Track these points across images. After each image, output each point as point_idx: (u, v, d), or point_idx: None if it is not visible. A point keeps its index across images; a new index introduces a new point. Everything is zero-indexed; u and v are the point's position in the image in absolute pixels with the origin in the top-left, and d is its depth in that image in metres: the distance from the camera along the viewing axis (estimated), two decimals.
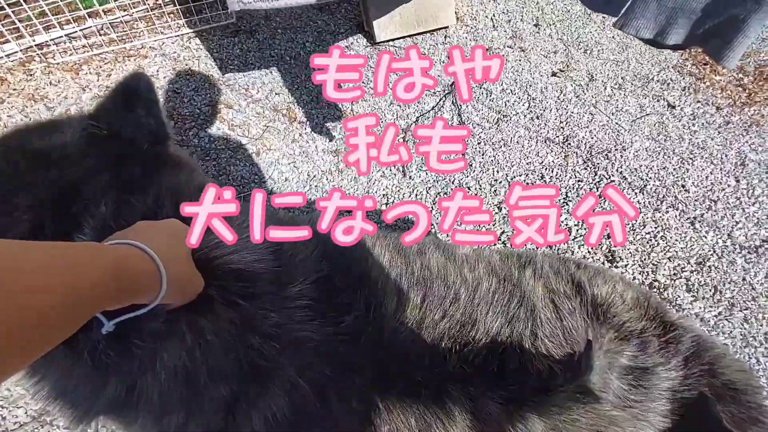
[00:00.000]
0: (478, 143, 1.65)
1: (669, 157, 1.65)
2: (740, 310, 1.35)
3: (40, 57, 1.71)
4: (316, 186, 1.52)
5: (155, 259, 0.44)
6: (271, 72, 1.77)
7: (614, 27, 0.63)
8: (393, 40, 1.88)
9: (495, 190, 1.55)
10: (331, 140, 1.62)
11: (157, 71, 1.73)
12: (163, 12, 1.83)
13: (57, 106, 1.61)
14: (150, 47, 1.79)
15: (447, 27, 1.94)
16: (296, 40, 1.88)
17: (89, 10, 1.73)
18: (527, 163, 1.62)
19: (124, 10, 1.82)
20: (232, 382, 0.52)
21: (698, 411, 0.57)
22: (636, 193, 1.56)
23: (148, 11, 1.81)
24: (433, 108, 1.73)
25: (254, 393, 0.53)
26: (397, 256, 0.69)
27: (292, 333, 0.55)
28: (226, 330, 0.53)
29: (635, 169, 1.62)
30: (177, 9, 1.83)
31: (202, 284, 0.52)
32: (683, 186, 1.58)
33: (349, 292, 0.61)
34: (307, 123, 1.65)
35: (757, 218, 1.52)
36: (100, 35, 1.77)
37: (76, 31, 1.75)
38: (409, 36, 1.90)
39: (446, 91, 1.78)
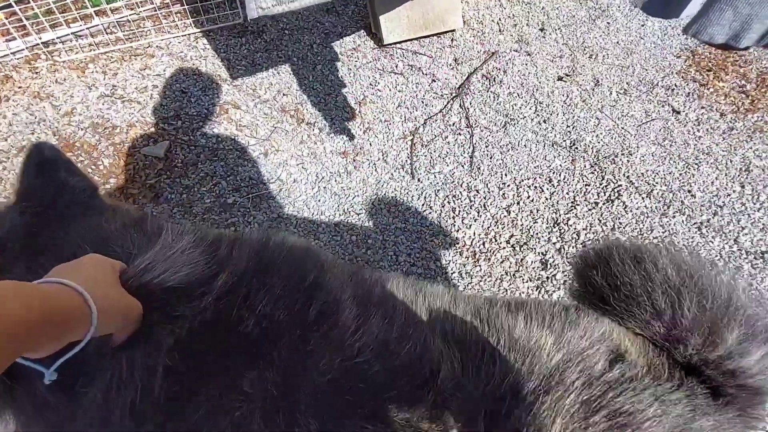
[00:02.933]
0: (486, 146, 1.66)
1: (675, 162, 1.66)
2: None
3: (46, 55, 1.69)
4: (324, 188, 1.51)
5: (79, 290, 0.43)
6: (278, 73, 1.77)
7: (686, 33, 0.64)
8: (400, 42, 1.88)
9: (503, 194, 1.55)
10: (339, 142, 1.62)
11: (164, 70, 1.72)
12: (171, 11, 1.82)
13: (63, 104, 1.60)
14: (157, 46, 1.78)
15: (454, 30, 1.95)
16: (303, 41, 1.87)
17: (97, 9, 1.72)
18: (535, 167, 1.62)
19: (132, 9, 1.81)
20: (165, 409, 0.51)
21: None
22: (643, 198, 1.57)
23: (155, 10, 1.81)
24: (440, 111, 1.73)
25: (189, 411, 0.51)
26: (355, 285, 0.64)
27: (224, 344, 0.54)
28: (169, 351, 0.51)
29: (642, 173, 1.62)
30: (184, 8, 1.82)
31: (139, 308, 0.51)
32: (689, 191, 1.59)
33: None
34: (315, 124, 1.65)
35: (763, 224, 1.53)
36: (107, 34, 1.76)
37: (83, 30, 1.74)
38: (417, 39, 1.90)
39: (453, 94, 1.78)
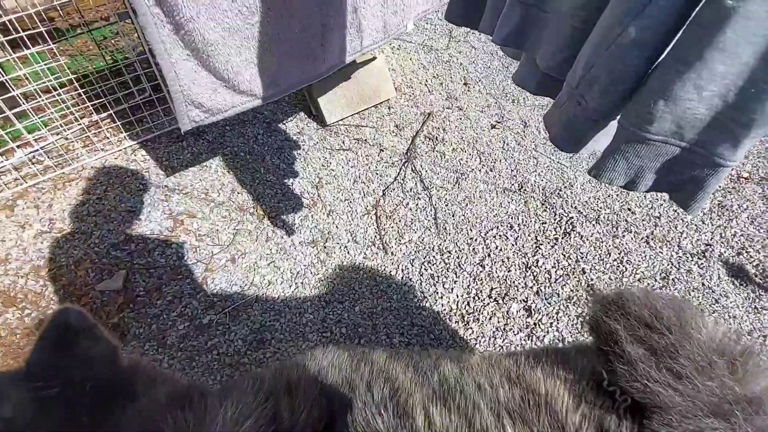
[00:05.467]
0: (446, 205, 1.73)
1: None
2: (709, 315, 1.50)
3: None
4: (301, 283, 1.49)
5: None
6: (228, 171, 1.75)
7: (589, 174, 0.71)
8: (342, 119, 1.95)
9: (473, 249, 1.61)
10: (306, 231, 1.61)
11: (105, 192, 1.64)
12: (101, 129, 1.76)
13: None
14: (92, 167, 1.70)
15: (389, 99, 2.06)
16: (247, 134, 1.88)
17: (19, 142, 1.61)
18: (494, 216, 1.72)
19: (57, 134, 1.72)
20: None
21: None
22: (593, 225, 1.71)
23: (84, 131, 1.73)
24: (395, 179, 1.80)
25: None
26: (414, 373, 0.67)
27: None
28: None
29: (586, 201, 1.78)
30: (116, 124, 1.77)
31: None
32: (629, 209, 1.77)
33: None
34: (278, 218, 1.64)
35: (695, 225, 1.73)
36: (33, 164, 1.65)
37: (4, 165, 1.62)
38: (357, 113, 1.98)
39: (404, 160, 1.86)
